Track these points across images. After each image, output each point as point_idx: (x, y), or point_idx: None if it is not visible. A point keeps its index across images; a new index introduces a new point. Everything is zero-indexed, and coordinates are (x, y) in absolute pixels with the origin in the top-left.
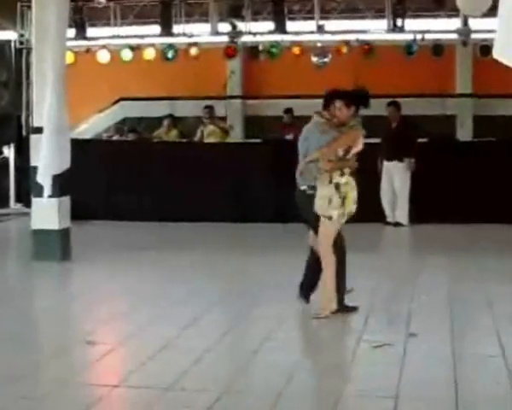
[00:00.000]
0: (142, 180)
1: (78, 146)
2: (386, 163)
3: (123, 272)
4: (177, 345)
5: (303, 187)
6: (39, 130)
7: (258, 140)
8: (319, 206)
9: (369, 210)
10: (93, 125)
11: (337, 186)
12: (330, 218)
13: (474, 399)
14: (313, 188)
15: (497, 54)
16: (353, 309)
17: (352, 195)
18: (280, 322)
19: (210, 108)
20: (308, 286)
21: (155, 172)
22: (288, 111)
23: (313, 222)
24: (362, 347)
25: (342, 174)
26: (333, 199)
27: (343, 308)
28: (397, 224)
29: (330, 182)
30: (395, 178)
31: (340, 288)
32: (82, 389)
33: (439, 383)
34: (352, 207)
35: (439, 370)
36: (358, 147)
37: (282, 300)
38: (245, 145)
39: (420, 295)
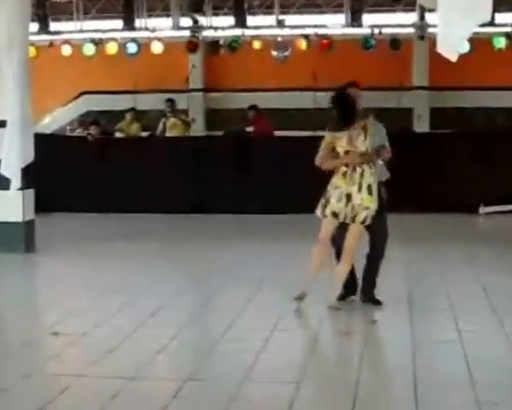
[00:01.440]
0: (105, 173)
1: (42, 140)
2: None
3: (87, 263)
4: (141, 335)
5: None
6: (2, 123)
7: (219, 132)
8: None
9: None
10: (56, 119)
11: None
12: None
13: (432, 384)
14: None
15: (439, 48)
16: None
17: (333, 195)
18: (242, 311)
19: (171, 102)
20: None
21: (119, 165)
22: (253, 108)
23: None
24: (323, 335)
25: (335, 174)
26: (321, 201)
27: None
28: None
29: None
30: None
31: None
32: (47, 380)
33: (398, 369)
34: (334, 206)
35: (398, 356)
36: (342, 144)
37: (244, 289)
38: (206, 138)
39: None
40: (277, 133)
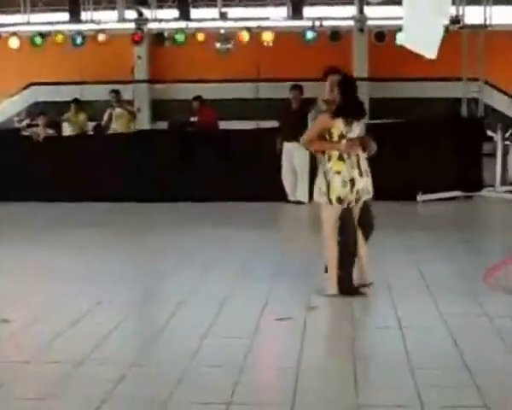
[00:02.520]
0: (56, 165)
1: None
2: (286, 144)
3: (36, 251)
4: (88, 321)
5: None
6: None
7: (164, 123)
8: (315, 193)
9: (272, 189)
10: (4, 110)
11: (325, 174)
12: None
13: (371, 370)
14: None
15: (403, 41)
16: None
17: (336, 181)
18: (186, 299)
19: (116, 92)
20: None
21: (68, 157)
22: (197, 98)
23: None
24: (264, 320)
25: (329, 159)
26: (321, 188)
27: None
28: (297, 202)
29: (322, 169)
30: (295, 159)
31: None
32: None
33: (339, 354)
34: (339, 192)
35: (337, 342)
36: (338, 126)
37: (189, 277)
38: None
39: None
40: (221, 123)
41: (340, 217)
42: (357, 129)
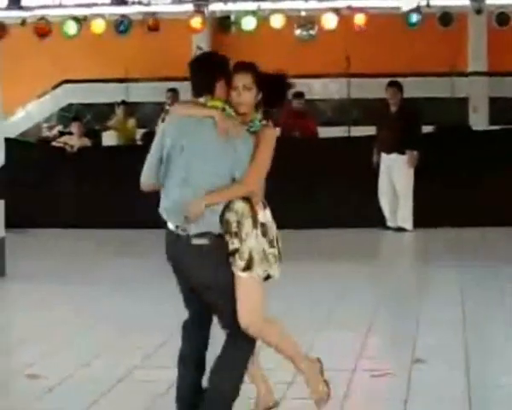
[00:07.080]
0: (92, 183)
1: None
2: (384, 156)
3: (63, 286)
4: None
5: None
6: None
7: None
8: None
9: (366, 213)
10: (30, 114)
11: (263, 226)
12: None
13: None
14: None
15: None
16: None
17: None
18: None
19: (174, 92)
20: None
21: (109, 174)
22: (299, 95)
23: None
24: (358, 376)
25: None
26: (267, 251)
27: None
28: (399, 228)
29: (255, 223)
30: (395, 175)
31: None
32: None
33: None
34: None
35: (452, 402)
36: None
37: None
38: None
39: None
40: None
41: None
42: None
